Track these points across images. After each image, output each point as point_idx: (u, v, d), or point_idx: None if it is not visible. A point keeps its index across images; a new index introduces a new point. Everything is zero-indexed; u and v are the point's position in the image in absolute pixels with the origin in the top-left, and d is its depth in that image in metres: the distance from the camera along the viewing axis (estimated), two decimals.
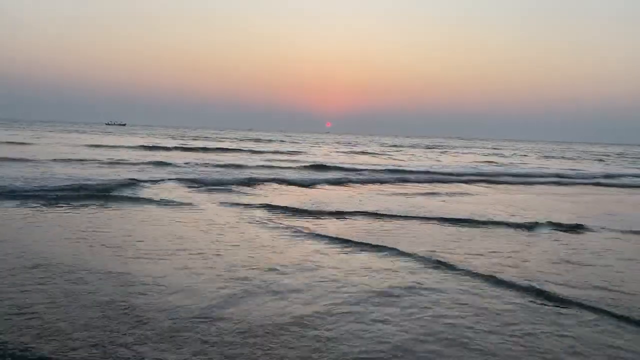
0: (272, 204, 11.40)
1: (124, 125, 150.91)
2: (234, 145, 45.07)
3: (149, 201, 11.14)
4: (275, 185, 15.71)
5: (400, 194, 15.15)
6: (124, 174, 16.72)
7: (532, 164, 37.27)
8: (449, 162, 34.72)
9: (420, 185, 18.13)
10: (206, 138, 64.94)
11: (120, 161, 22.19)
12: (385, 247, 7.49)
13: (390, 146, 65.52)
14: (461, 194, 15.76)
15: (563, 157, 51.70)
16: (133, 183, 13.99)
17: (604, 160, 48.54)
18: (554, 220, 10.35)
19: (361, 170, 22.69)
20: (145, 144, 38.01)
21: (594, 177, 24.94)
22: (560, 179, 23.31)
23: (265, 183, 16.02)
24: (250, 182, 15.87)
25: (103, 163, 20.75)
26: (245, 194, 13.47)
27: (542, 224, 10.01)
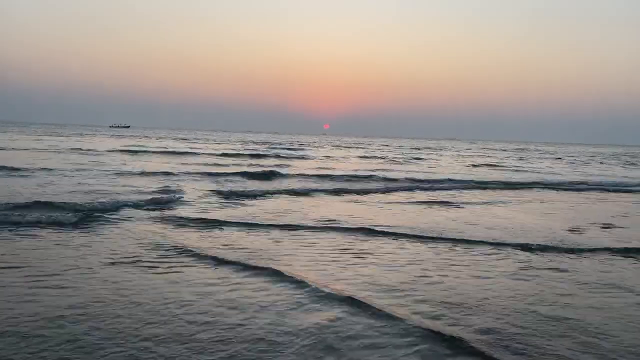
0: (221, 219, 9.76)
1: (128, 127, 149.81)
2: (241, 149, 43.35)
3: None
4: (283, 196, 14.05)
5: (397, 202, 13.55)
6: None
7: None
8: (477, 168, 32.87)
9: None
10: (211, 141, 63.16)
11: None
12: (278, 272, 6.10)
13: (398, 148, 63.84)
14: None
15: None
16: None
17: None
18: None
19: (369, 177, 20.85)
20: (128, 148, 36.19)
21: None
22: None
23: (274, 195, 14.31)
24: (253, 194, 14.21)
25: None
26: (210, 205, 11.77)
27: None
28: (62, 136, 56.52)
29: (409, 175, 22.20)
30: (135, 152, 31.94)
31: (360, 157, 39.62)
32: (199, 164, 24.51)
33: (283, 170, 21.92)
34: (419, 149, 63.43)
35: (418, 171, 25.91)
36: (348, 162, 31.98)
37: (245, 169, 22.20)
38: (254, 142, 62.94)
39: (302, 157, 35.54)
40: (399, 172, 24.79)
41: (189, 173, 19.30)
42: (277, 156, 35.57)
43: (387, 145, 76.19)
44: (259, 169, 22.00)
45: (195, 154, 33.70)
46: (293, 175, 20.27)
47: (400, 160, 37.02)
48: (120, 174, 17.74)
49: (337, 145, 68.05)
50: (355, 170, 24.15)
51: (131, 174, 18.00)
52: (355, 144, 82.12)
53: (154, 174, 18.34)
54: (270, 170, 21.06)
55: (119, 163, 22.77)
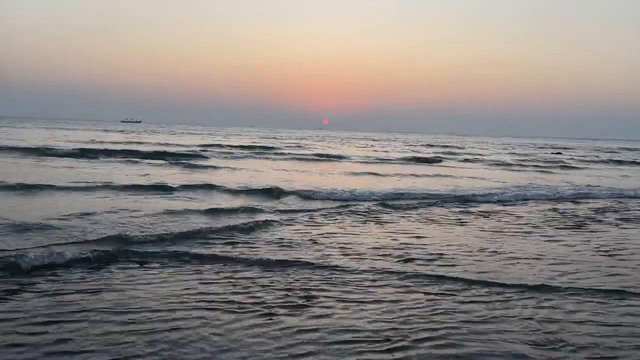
0: None
1: (139, 122, 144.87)
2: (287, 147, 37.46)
3: None
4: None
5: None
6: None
7: None
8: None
9: None
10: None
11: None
12: None
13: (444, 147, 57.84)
14: None
15: None
16: None
17: None
18: None
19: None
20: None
21: None
22: None
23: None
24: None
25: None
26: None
27: None
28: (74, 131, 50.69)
29: None
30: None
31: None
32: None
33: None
34: (456, 146, 57.49)
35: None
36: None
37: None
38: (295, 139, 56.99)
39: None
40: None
41: None
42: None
43: (430, 141, 70.29)
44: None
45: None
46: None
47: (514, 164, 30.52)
48: None
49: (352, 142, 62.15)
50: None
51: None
52: (379, 139, 76.23)
53: None
54: None
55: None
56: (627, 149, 70.67)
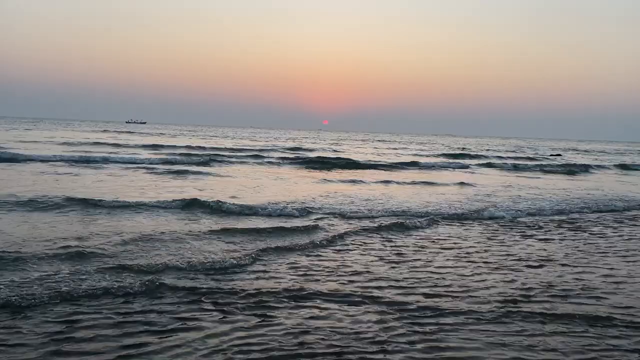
0: None
1: (144, 123, 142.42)
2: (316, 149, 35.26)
3: None
4: None
5: None
6: None
7: None
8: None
9: None
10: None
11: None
12: None
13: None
14: None
15: None
16: None
17: None
18: None
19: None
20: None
21: None
22: None
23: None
24: None
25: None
26: None
27: None
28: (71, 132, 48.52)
29: None
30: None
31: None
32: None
33: None
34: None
35: None
36: None
37: None
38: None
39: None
40: None
41: None
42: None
43: (431, 141, 68.06)
44: None
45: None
46: None
47: None
48: None
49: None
50: None
51: None
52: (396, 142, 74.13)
53: None
54: None
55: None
56: (632, 151, 68.57)
